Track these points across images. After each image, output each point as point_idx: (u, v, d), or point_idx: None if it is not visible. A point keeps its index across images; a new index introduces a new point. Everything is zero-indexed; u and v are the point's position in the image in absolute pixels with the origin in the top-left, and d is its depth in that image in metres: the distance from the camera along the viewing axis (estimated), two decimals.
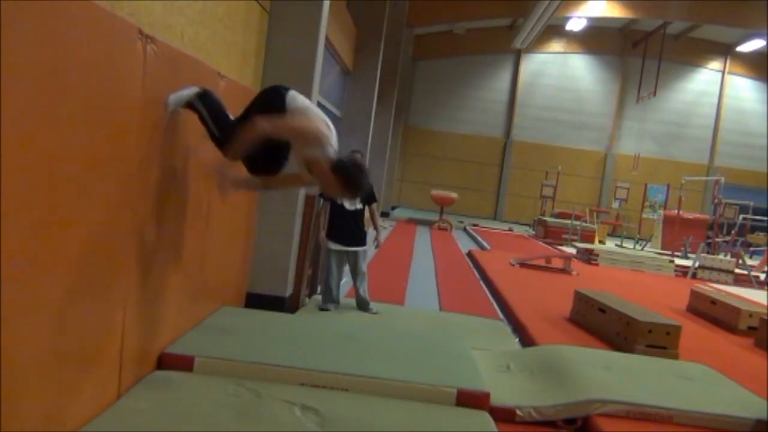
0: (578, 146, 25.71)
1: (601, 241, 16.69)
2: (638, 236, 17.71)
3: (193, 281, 3.81)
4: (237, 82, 4.26)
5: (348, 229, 5.57)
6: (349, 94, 12.04)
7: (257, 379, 3.37)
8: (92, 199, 2.46)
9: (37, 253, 2.13)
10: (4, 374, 1.97)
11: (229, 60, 4.34)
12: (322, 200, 5.69)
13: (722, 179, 15.10)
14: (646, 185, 21.13)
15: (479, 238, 15.06)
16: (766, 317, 6.22)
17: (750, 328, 6.55)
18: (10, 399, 2.04)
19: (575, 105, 25.66)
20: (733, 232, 14.70)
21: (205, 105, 3.09)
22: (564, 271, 10.11)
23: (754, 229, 16.14)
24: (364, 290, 5.70)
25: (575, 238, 15.76)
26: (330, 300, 5.60)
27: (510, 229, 19.94)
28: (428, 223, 18.09)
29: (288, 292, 5.23)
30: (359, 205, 5.57)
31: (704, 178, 22.36)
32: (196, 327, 3.91)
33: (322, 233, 5.67)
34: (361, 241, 5.66)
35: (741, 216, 15.47)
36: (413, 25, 19.03)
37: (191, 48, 3.66)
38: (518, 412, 3.60)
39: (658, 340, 5.12)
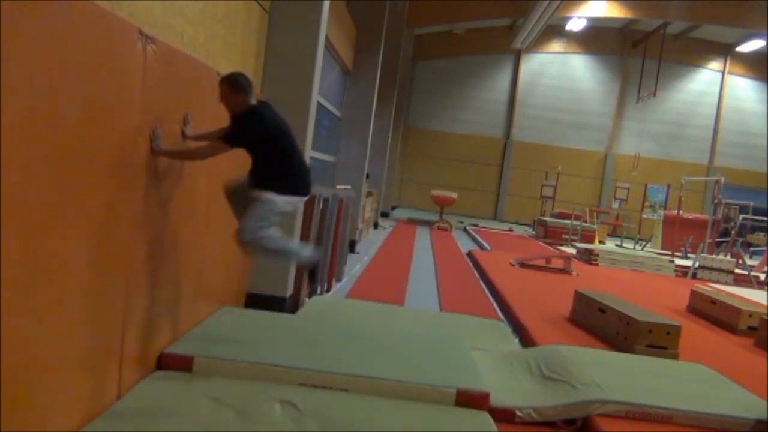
0: (578, 146, 25.73)
1: (601, 241, 16.69)
2: (638, 236, 17.71)
3: (193, 281, 3.81)
4: None
5: (303, 174, 3.66)
6: (349, 94, 12.02)
7: (257, 379, 3.37)
8: (92, 199, 2.46)
9: (37, 254, 2.13)
10: (4, 375, 1.97)
11: (229, 60, 4.34)
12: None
13: (722, 179, 15.08)
14: (646, 185, 21.15)
15: (479, 238, 15.06)
16: (766, 317, 6.22)
17: (750, 328, 6.54)
18: (11, 399, 2.04)
19: (575, 105, 25.68)
20: (733, 232, 14.71)
21: None
22: (564, 271, 10.11)
23: (754, 229, 16.13)
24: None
25: (575, 238, 15.76)
26: (302, 248, 3.95)
27: (510, 229, 19.94)
28: (428, 223, 18.09)
29: (288, 292, 5.23)
30: None
31: (704, 178, 22.37)
32: (196, 327, 3.91)
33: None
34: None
35: (741, 216, 15.46)
36: (413, 25, 19.02)
37: (191, 48, 3.66)
38: (518, 412, 3.59)
39: (658, 340, 5.11)
